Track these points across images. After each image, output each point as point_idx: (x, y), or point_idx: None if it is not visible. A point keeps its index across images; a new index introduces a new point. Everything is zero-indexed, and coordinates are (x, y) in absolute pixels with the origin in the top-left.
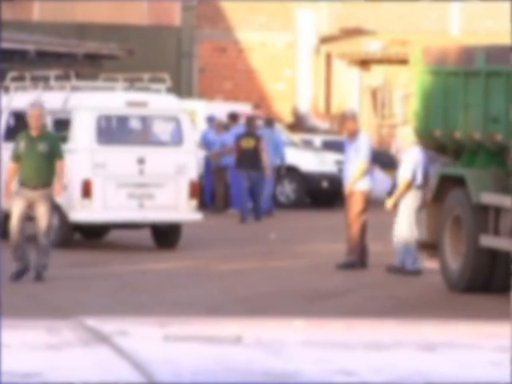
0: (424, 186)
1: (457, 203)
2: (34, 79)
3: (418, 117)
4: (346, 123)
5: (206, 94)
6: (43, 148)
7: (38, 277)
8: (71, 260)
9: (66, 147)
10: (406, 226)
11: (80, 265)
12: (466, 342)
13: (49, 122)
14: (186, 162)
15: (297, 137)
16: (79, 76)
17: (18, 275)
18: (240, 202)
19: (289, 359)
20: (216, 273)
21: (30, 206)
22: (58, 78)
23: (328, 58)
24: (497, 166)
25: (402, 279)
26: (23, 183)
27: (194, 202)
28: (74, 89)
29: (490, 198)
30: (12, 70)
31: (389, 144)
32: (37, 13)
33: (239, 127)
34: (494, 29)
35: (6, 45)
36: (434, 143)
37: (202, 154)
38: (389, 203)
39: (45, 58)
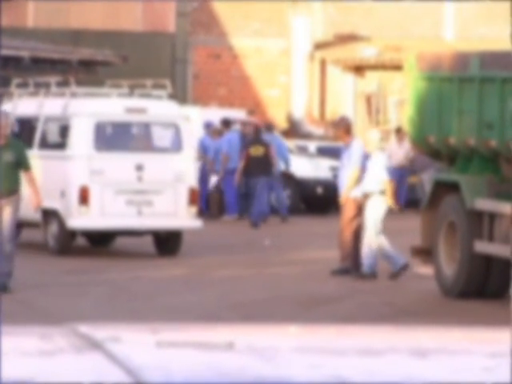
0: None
1: (451, 209)
2: (37, 86)
3: (412, 123)
4: (337, 131)
5: (201, 100)
6: (9, 157)
7: (3, 288)
8: (67, 267)
9: (64, 154)
10: (371, 231)
11: (76, 272)
12: (459, 348)
13: (51, 128)
14: (185, 169)
15: (291, 143)
16: (78, 82)
17: None
18: (234, 209)
19: (281, 365)
20: (211, 279)
21: None
22: (58, 84)
23: (322, 64)
24: (491, 172)
25: (397, 285)
26: None
27: (194, 209)
28: (74, 95)
29: (484, 204)
30: (6, 76)
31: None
32: (31, 19)
33: (232, 133)
34: (489, 35)
35: (1, 51)
36: (429, 149)
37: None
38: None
39: (39, 65)
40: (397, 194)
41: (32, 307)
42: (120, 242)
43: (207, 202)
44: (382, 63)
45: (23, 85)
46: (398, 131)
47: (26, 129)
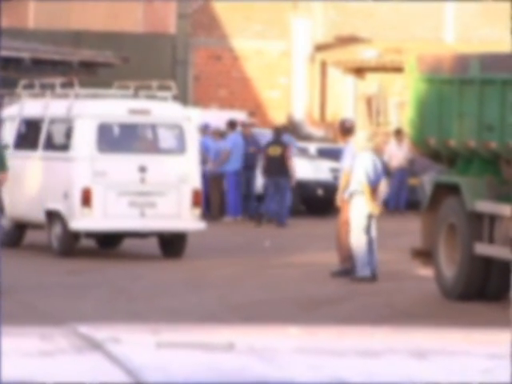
0: (374, 192)
1: (451, 211)
2: (43, 87)
3: (412, 125)
4: (338, 132)
5: (201, 101)
6: None
7: None
8: (69, 268)
9: (67, 155)
10: (354, 232)
11: (77, 273)
12: (458, 349)
13: (56, 129)
14: (189, 171)
15: None
16: (82, 84)
17: None
18: (236, 211)
19: (281, 366)
20: (211, 281)
21: None
22: (63, 85)
23: (323, 65)
24: (491, 174)
25: (397, 287)
26: None
27: (198, 211)
28: (78, 96)
29: (484, 206)
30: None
31: (383, 151)
32: (32, 20)
33: (237, 135)
34: (489, 37)
35: (1, 52)
36: (429, 151)
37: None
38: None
39: (40, 66)
40: (397, 196)
41: (32, 308)
42: (124, 244)
43: (208, 203)
44: (382, 65)
45: (28, 86)
46: (398, 133)
47: (32, 130)
